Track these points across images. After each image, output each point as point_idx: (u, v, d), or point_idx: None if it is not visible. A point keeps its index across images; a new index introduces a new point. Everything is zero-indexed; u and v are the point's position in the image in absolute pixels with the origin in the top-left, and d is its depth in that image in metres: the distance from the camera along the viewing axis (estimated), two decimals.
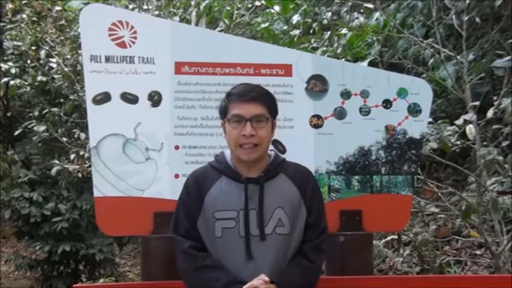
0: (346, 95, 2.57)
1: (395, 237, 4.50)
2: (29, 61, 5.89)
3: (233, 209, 1.82)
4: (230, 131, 1.83)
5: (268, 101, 1.86)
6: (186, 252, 1.84)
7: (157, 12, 4.94)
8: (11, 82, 5.63)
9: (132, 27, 2.44)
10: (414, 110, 2.60)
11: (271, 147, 1.98)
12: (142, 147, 2.41)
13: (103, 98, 2.40)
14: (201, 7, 4.52)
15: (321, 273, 2.06)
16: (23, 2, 6.04)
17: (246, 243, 1.80)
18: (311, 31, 4.57)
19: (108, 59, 2.41)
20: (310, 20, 4.67)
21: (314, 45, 4.38)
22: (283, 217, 1.83)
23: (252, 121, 1.80)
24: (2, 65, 5.70)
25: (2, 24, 6.24)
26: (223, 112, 1.87)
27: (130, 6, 5.05)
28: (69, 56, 5.26)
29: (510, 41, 4.21)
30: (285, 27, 5.39)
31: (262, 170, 1.87)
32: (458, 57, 3.80)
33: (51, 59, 5.42)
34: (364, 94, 2.58)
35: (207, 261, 1.82)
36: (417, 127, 2.60)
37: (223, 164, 1.91)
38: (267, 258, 1.80)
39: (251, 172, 1.86)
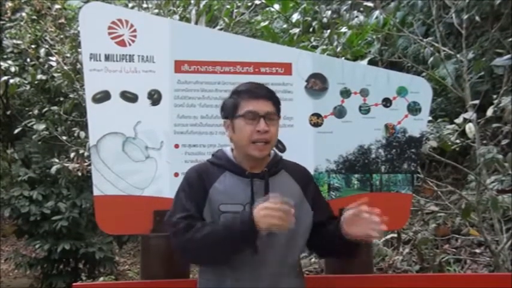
0: (345, 93, 2.57)
1: (395, 235, 4.50)
2: (28, 59, 5.89)
3: (239, 203, 1.82)
4: (243, 126, 1.81)
5: (276, 100, 1.88)
6: (186, 225, 1.76)
7: (156, 10, 4.93)
8: (11, 80, 5.62)
9: (132, 25, 2.43)
10: (414, 109, 2.60)
11: None
12: (142, 146, 2.41)
13: (103, 97, 2.39)
14: (201, 5, 4.51)
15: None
16: (23, 0, 6.03)
17: None
18: (311, 29, 4.57)
19: (107, 58, 2.40)
20: (309, 19, 4.67)
21: (314, 43, 4.38)
22: None
23: (265, 118, 1.81)
24: (1, 63, 5.69)
25: (1, 22, 6.23)
26: (233, 109, 1.85)
27: (130, 5, 5.06)
28: (68, 55, 5.25)
29: (510, 39, 4.21)
30: (285, 26, 5.40)
31: (264, 166, 1.87)
32: (458, 55, 3.80)
33: (50, 58, 5.41)
34: (364, 93, 2.58)
35: (207, 222, 1.78)
36: (417, 126, 2.60)
37: (225, 159, 1.90)
38: (272, 252, 1.80)
39: (254, 169, 1.86)
